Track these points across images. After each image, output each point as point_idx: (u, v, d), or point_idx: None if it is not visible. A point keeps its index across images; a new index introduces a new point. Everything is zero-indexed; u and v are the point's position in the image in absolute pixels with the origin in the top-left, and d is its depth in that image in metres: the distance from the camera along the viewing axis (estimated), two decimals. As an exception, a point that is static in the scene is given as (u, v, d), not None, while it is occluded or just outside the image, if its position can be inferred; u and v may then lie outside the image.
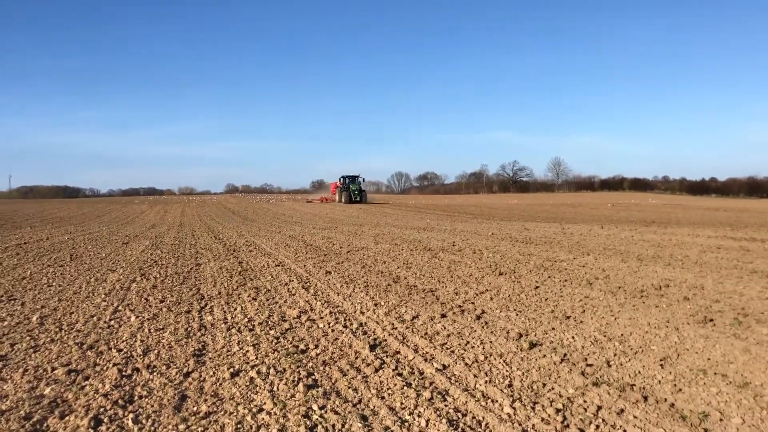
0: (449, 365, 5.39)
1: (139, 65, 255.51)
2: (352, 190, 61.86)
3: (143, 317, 7.42)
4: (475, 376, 5.08)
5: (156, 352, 5.91)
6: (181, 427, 4.06)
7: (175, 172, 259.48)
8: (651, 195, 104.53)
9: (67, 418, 4.22)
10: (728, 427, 4.03)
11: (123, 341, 6.29)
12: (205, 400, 4.57)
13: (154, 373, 5.23)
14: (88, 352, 5.87)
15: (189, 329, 6.81)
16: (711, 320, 6.77)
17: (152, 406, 4.48)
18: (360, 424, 4.07)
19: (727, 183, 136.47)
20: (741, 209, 47.25)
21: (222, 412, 4.33)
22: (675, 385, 4.81)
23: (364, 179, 66.68)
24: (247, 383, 4.94)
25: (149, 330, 6.79)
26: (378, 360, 5.54)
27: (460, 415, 4.26)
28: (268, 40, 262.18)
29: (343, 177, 65.03)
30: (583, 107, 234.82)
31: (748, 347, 5.70)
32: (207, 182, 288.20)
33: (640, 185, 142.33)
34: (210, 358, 5.66)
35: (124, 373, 5.20)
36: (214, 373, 5.22)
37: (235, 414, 4.29)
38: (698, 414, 4.22)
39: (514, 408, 4.34)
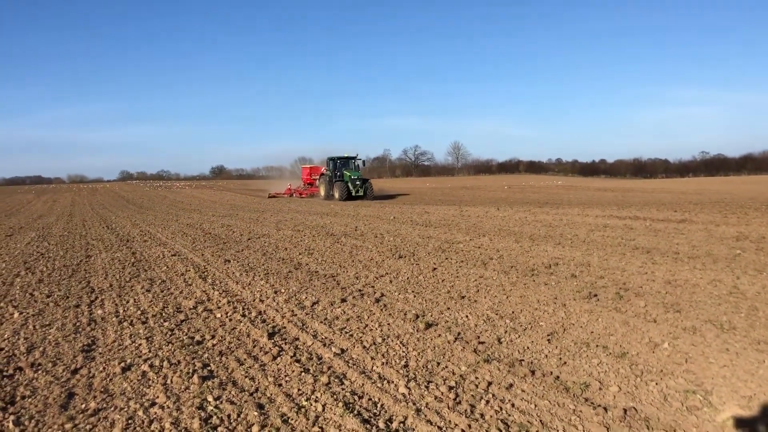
0: (347, 349, 5.45)
1: (17, 45, 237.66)
2: (350, 178, 36.66)
3: (27, 313, 7.05)
4: (372, 358, 5.17)
5: (41, 349, 5.64)
6: (68, 426, 3.92)
7: (64, 160, 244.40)
8: (547, 177, 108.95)
9: (-61, 424, 3.96)
10: (606, 394, 4.32)
11: (4, 339, 5.96)
12: (94, 397, 4.41)
13: (39, 372, 5.00)
14: (-36, 353, 5.52)
15: (78, 324, 6.53)
16: (595, 295, 7.18)
17: (36, 406, 4.28)
18: (256, 413, 4.06)
19: (615, 165, 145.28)
20: (627, 189, 49.96)
21: (112, 408, 4.20)
22: (560, 358, 5.09)
23: (363, 162, 41.25)
24: (139, 377, 4.81)
25: (34, 326, 6.46)
26: (276, 348, 5.52)
27: (356, 397, 4.33)
28: (158, 22, 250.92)
29: (331, 159, 38.84)
30: (481, 93, 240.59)
31: (627, 320, 6.09)
32: (99, 169, 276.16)
33: (535, 168, 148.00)
34: (100, 353, 5.46)
35: (5, 373, 4.95)
36: (104, 368, 5.04)
37: (126, 409, 4.17)
38: (580, 384, 4.49)
39: (409, 388, 4.46)
